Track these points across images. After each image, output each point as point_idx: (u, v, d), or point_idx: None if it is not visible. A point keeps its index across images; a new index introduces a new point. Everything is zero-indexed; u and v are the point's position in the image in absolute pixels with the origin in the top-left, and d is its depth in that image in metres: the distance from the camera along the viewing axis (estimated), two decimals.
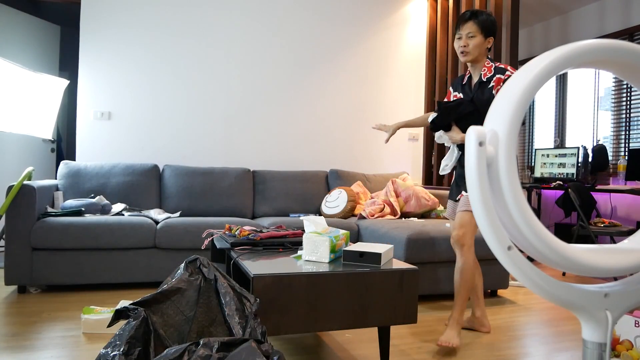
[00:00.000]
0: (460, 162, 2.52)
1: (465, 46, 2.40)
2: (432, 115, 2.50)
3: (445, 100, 2.60)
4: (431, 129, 2.50)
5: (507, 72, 2.34)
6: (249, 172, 4.11)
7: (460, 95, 2.51)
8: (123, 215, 3.39)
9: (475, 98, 2.40)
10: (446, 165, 2.55)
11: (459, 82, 2.58)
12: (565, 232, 4.67)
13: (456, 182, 2.55)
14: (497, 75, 2.35)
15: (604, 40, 0.87)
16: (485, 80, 2.39)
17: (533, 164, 5.21)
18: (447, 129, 2.43)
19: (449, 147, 2.55)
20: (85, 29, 4.01)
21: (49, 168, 5.10)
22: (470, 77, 2.51)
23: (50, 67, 5.07)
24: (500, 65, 2.39)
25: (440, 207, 3.94)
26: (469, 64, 2.47)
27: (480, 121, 2.23)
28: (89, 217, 3.18)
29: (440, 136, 2.50)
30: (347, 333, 2.46)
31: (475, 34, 2.38)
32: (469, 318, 2.61)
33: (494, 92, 2.34)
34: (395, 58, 4.85)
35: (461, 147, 2.47)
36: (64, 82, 3.61)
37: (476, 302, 2.59)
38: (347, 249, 1.96)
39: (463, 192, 2.43)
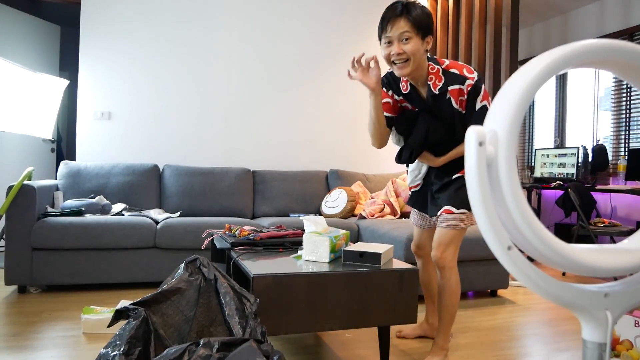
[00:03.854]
0: (437, 175, 2.12)
1: (400, 54, 1.84)
2: (393, 135, 2.15)
3: (401, 119, 2.10)
4: (398, 162, 2.14)
5: (468, 82, 1.88)
6: (249, 172, 4.11)
7: (406, 102, 2.06)
8: (123, 215, 3.39)
9: (435, 111, 1.98)
10: (415, 176, 2.21)
11: (395, 86, 2.07)
12: (565, 232, 4.67)
13: (433, 197, 2.13)
14: (455, 87, 1.89)
15: (604, 40, 0.87)
16: (437, 92, 1.92)
17: (533, 164, 5.21)
18: (414, 160, 2.12)
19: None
20: (85, 29, 4.01)
21: (49, 168, 5.11)
22: (412, 86, 2.01)
23: (50, 67, 5.07)
24: (451, 70, 1.91)
25: None
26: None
27: (449, 141, 2.01)
28: (89, 217, 3.18)
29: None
30: (347, 333, 2.46)
31: (410, 36, 1.84)
32: (422, 323, 2.43)
33: (455, 105, 1.91)
34: None
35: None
36: (64, 82, 3.61)
37: (431, 309, 2.39)
38: (347, 249, 1.96)
39: (453, 209, 2.01)
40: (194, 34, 4.27)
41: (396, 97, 2.10)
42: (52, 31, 5.14)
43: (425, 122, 1.99)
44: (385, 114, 2.09)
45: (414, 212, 2.32)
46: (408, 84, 2.02)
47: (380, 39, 1.92)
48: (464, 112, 1.93)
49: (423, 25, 1.85)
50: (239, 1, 4.39)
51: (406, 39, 1.84)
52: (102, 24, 4.04)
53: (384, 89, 2.09)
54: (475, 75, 1.91)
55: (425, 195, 2.20)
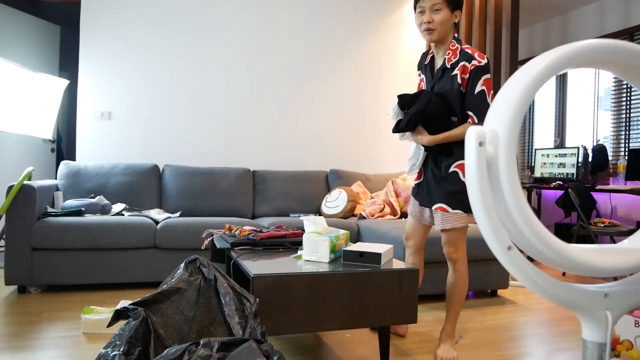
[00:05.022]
0: (435, 163, 2.19)
1: (430, 22, 2.07)
2: (392, 108, 2.21)
3: (406, 93, 2.24)
4: (395, 131, 2.20)
5: (474, 62, 2.03)
6: (249, 172, 4.11)
7: (423, 76, 2.25)
8: (123, 215, 3.39)
9: (437, 86, 2.13)
10: (413, 165, 2.28)
11: (422, 61, 2.29)
12: (565, 232, 4.67)
13: (428, 186, 2.22)
14: (463, 63, 2.05)
15: (604, 40, 0.87)
16: (449, 66, 2.09)
17: (533, 164, 5.21)
18: (412, 129, 2.16)
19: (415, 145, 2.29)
20: (85, 29, 4.01)
21: (49, 168, 5.10)
22: (433, 58, 2.21)
23: (50, 67, 5.07)
24: (466, 49, 2.08)
25: None
26: (432, 43, 2.16)
27: (447, 120, 2.11)
28: (89, 217, 3.18)
29: (403, 135, 2.23)
30: (347, 333, 2.46)
31: (441, 7, 2.06)
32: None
33: (458, 80, 2.05)
34: (395, 58, 4.85)
35: (427, 147, 2.21)
36: (64, 82, 3.61)
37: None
38: (347, 249, 1.96)
39: (448, 208, 2.10)
40: (194, 34, 4.27)
41: (419, 75, 2.31)
42: (52, 31, 5.14)
43: (429, 94, 2.14)
44: None
45: (412, 202, 2.35)
46: (430, 57, 2.22)
47: (415, 8, 2.14)
48: (464, 90, 2.07)
49: None
50: (239, 1, 4.39)
51: (437, 10, 2.06)
52: (102, 24, 4.04)
53: (418, 71, 2.33)
54: (484, 61, 2.05)
55: (424, 185, 2.29)
